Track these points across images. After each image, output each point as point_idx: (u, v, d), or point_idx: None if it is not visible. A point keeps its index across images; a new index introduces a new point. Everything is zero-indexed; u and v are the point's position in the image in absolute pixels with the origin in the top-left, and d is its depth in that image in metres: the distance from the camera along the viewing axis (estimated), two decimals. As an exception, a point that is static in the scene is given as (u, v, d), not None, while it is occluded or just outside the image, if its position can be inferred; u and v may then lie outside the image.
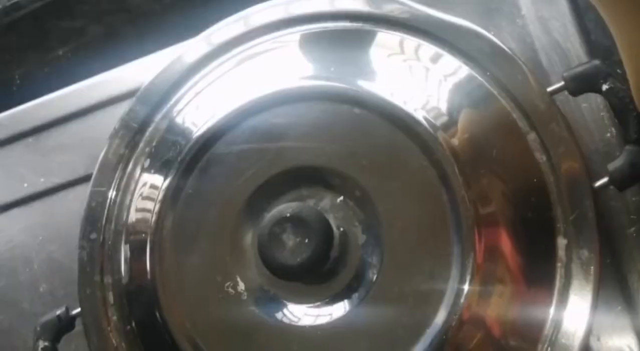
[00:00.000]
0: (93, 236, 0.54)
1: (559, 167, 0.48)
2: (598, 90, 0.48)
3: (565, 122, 0.49)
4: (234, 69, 0.55)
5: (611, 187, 0.49)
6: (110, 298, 0.53)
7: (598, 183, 0.49)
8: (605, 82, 0.48)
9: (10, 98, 0.73)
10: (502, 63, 0.51)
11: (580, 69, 0.49)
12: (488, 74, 0.51)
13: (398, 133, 0.48)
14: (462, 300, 0.46)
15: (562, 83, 0.50)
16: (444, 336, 0.45)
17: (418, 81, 0.51)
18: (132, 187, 0.55)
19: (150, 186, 0.53)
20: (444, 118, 0.49)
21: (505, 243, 0.47)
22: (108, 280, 0.53)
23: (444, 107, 0.50)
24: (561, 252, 0.47)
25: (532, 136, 0.49)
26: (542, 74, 0.57)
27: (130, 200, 0.54)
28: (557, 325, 0.47)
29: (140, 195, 0.54)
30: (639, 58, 0.45)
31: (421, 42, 0.52)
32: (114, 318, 0.53)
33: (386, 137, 0.49)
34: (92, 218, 0.55)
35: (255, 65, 0.55)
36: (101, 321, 0.53)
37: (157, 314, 0.50)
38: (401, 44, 0.53)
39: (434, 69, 0.52)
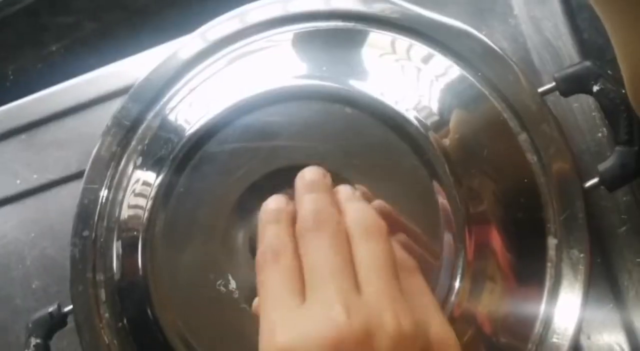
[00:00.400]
0: (85, 233, 0.55)
1: (550, 167, 0.49)
2: (589, 91, 0.49)
3: (556, 123, 0.49)
4: (227, 66, 0.55)
5: (601, 187, 0.49)
6: (102, 295, 0.53)
7: (588, 184, 0.49)
8: (596, 83, 0.48)
9: (4, 94, 0.73)
10: (493, 63, 0.51)
11: (571, 69, 0.50)
12: (479, 74, 0.51)
13: (389, 133, 0.49)
14: (452, 298, 0.46)
15: (553, 84, 0.50)
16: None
17: (409, 81, 0.51)
18: (124, 184, 0.55)
19: (142, 183, 0.53)
20: (435, 118, 0.49)
21: (496, 243, 0.47)
22: (100, 277, 0.53)
23: (435, 107, 0.50)
24: (551, 252, 0.48)
25: (523, 136, 0.49)
26: (534, 73, 0.57)
27: (123, 198, 0.54)
28: (548, 323, 0.47)
29: (133, 192, 0.54)
30: (634, 56, 0.45)
31: (413, 42, 0.52)
32: (106, 315, 0.53)
33: (378, 137, 0.49)
34: (85, 215, 0.55)
35: (248, 64, 0.55)
36: (93, 319, 0.53)
37: (149, 311, 0.50)
38: (393, 43, 0.53)
39: (425, 69, 0.52)
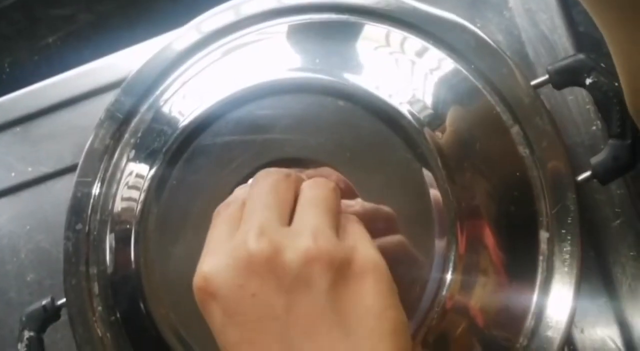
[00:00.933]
0: (78, 227, 0.54)
1: (542, 160, 0.48)
2: (582, 84, 0.48)
3: (549, 116, 0.49)
4: (220, 59, 0.55)
5: (594, 180, 0.49)
6: (96, 288, 0.53)
7: (581, 177, 0.49)
8: (589, 76, 0.48)
9: (0, 86, 0.73)
10: (486, 56, 0.51)
11: (564, 62, 0.49)
12: (472, 67, 0.51)
13: (382, 127, 0.48)
14: (444, 292, 0.46)
15: (546, 76, 0.50)
16: (427, 327, 0.46)
17: (403, 74, 0.51)
18: (117, 177, 0.54)
19: (135, 176, 0.53)
20: (429, 112, 0.49)
21: (488, 236, 0.47)
22: (93, 270, 0.53)
23: (428, 100, 0.50)
24: (543, 245, 0.48)
25: (515, 129, 0.49)
26: (529, 66, 0.57)
27: (116, 191, 0.54)
28: (539, 316, 0.47)
29: (126, 184, 0.54)
30: (632, 65, 0.45)
31: (407, 34, 0.52)
32: (99, 308, 0.53)
33: (371, 130, 0.49)
34: (78, 209, 0.55)
35: (241, 57, 0.55)
36: (86, 312, 0.53)
37: (141, 305, 0.50)
38: (387, 36, 0.52)
39: (419, 62, 0.52)
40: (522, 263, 0.48)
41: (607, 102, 0.47)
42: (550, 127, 0.49)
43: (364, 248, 0.40)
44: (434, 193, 0.47)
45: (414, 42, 0.52)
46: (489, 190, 0.48)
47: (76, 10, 0.80)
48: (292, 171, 0.45)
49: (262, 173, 0.44)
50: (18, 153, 0.68)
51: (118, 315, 0.52)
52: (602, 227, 0.55)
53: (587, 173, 0.49)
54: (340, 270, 0.38)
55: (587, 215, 0.55)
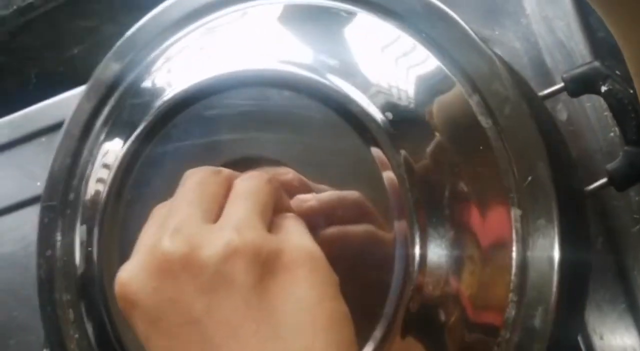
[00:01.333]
0: (48, 253, 0.52)
1: (507, 130, 0.43)
2: (597, 92, 0.48)
3: (510, 81, 0.44)
4: (167, 63, 0.53)
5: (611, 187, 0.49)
6: (71, 315, 0.51)
7: (597, 184, 0.48)
8: (604, 84, 0.48)
9: (27, 97, 0.74)
10: (437, 21, 0.46)
11: (579, 70, 0.49)
12: (423, 35, 0.46)
13: (333, 115, 0.45)
14: (410, 288, 0.41)
15: (561, 84, 0.49)
16: (402, 317, 0.42)
17: (347, 52, 0.47)
18: (81, 196, 0.52)
19: (93, 197, 0.51)
20: (377, 92, 0.45)
21: (454, 220, 0.42)
22: (66, 297, 0.51)
23: (375, 78, 0.45)
24: (517, 224, 0.42)
25: (475, 99, 0.44)
26: (546, 73, 0.57)
27: (79, 211, 0.52)
28: (519, 305, 0.42)
29: (88, 200, 0.52)
30: None
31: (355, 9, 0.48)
32: (76, 336, 0.50)
33: (319, 119, 0.45)
34: (46, 235, 0.53)
35: (196, 49, 0.51)
36: (64, 341, 0.51)
37: (110, 329, 0.48)
38: (328, 10, 0.49)
39: (365, 35, 0.47)
40: (495, 245, 0.43)
41: (623, 109, 0.47)
42: (512, 91, 0.43)
43: (296, 239, 0.37)
44: (391, 179, 0.43)
45: (361, 17, 0.48)
46: (452, 170, 0.43)
47: (100, 21, 0.81)
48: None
49: (190, 172, 0.41)
50: (43, 163, 0.67)
51: (93, 342, 0.50)
52: (621, 233, 0.54)
53: (604, 180, 0.48)
54: (268, 263, 0.35)
55: (606, 222, 0.55)
